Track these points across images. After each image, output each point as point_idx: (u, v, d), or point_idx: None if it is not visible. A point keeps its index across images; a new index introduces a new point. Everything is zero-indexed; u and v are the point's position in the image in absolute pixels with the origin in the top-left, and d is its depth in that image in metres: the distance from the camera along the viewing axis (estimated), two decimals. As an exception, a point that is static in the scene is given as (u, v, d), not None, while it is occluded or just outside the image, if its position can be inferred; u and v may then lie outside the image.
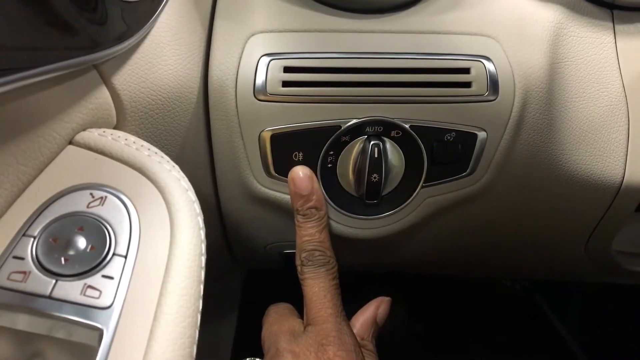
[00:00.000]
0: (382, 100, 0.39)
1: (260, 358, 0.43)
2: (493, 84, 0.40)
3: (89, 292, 0.24)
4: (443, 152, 0.41)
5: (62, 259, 0.24)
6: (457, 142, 0.41)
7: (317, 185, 0.41)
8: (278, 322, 0.42)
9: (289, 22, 0.40)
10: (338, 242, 0.49)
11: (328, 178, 0.42)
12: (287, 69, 0.38)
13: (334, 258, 0.41)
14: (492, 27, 0.41)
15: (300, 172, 0.41)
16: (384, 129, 0.40)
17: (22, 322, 0.23)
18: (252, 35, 0.39)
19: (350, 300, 0.62)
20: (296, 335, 0.40)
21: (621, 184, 0.44)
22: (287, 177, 0.41)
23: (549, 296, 0.93)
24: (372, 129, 0.40)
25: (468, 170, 0.42)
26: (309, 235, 0.41)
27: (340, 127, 0.39)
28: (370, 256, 0.55)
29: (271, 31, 0.40)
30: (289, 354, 0.38)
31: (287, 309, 0.44)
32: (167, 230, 0.27)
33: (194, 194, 0.29)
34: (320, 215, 0.41)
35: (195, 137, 0.39)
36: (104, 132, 0.30)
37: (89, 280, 0.24)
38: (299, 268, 0.41)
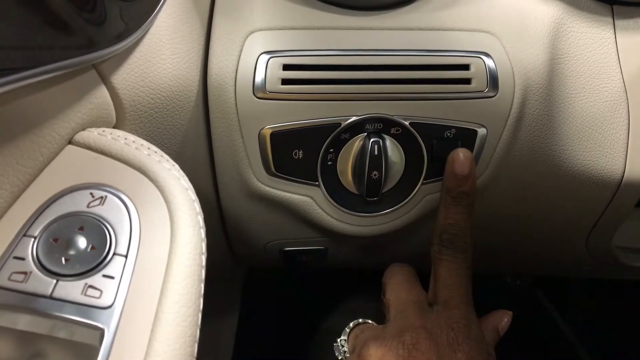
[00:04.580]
0: (382, 97, 0.39)
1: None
2: (493, 80, 0.40)
3: (90, 292, 0.24)
4: (443, 149, 0.41)
5: (63, 259, 0.24)
6: (457, 139, 0.41)
7: (474, 172, 0.41)
8: (407, 289, 0.43)
9: (288, 20, 0.40)
10: (339, 239, 0.49)
11: (328, 176, 0.41)
12: (286, 67, 0.38)
13: (471, 247, 0.41)
14: (492, 23, 0.41)
15: (461, 154, 0.40)
16: (384, 126, 0.40)
17: (23, 322, 0.23)
18: (251, 32, 0.39)
19: (351, 296, 0.62)
20: (424, 310, 0.40)
21: (621, 180, 0.44)
22: (286, 175, 0.41)
23: (549, 292, 0.93)
24: (371, 126, 0.40)
25: (468, 167, 0.42)
26: (454, 220, 0.41)
27: (340, 124, 0.39)
28: (370, 253, 0.55)
29: (270, 29, 0.40)
30: (423, 329, 0.38)
31: (413, 275, 0.45)
32: (168, 230, 0.27)
33: (194, 193, 0.29)
34: (470, 202, 0.41)
35: (194, 135, 0.39)
36: (103, 131, 0.30)
37: (90, 280, 0.24)
38: (435, 247, 0.41)
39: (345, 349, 0.43)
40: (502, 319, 0.43)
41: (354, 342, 0.42)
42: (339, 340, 0.44)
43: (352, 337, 0.43)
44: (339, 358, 0.43)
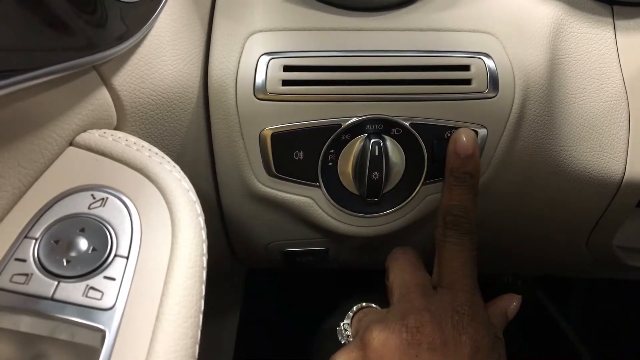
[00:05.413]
0: (382, 98, 0.39)
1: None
2: (493, 80, 0.40)
3: (91, 293, 0.24)
4: (443, 150, 0.41)
5: (64, 260, 0.24)
6: None
7: (477, 152, 0.40)
8: (410, 272, 0.42)
9: (289, 21, 0.40)
10: (339, 239, 0.49)
11: (329, 177, 0.41)
12: (286, 68, 0.38)
13: (476, 229, 0.40)
14: (492, 23, 0.41)
15: (464, 135, 0.40)
16: (384, 127, 0.40)
17: (25, 324, 0.23)
18: (252, 34, 0.39)
19: (351, 296, 0.62)
20: (428, 292, 0.40)
21: (622, 180, 0.44)
22: (287, 176, 0.41)
23: (550, 292, 0.93)
24: (372, 127, 0.40)
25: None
26: (458, 201, 0.40)
27: (341, 125, 0.39)
28: (371, 253, 0.55)
29: (270, 30, 0.40)
30: (427, 312, 0.37)
31: (416, 258, 0.44)
32: (169, 231, 0.27)
33: (195, 195, 0.29)
34: (474, 182, 0.40)
35: (195, 137, 0.39)
36: (104, 133, 0.30)
37: (91, 282, 0.24)
38: (439, 229, 0.41)
39: (349, 332, 0.42)
40: (511, 303, 0.43)
41: (357, 325, 0.42)
42: (342, 324, 0.43)
43: (355, 321, 0.43)
44: (342, 342, 0.42)
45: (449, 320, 0.37)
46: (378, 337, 0.37)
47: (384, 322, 0.38)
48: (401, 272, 0.42)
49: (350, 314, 0.43)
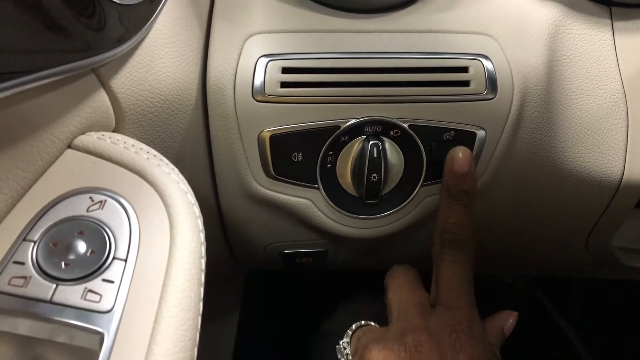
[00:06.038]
0: (381, 100, 0.39)
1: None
2: (491, 82, 0.40)
3: (90, 296, 0.24)
4: (442, 151, 0.41)
5: (63, 263, 0.24)
6: (456, 141, 0.41)
7: (474, 171, 0.40)
8: (408, 289, 0.43)
9: (287, 23, 0.40)
10: (338, 241, 0.49)
11: (327, 178, 0.42)
12: (285, 70, 0.38)
13: (474, 246, 0.40)
14: (490, 25, 0.41)
15: (460, 153, 0.40)
16: (383, 128, 0.40)
17: (23, 326, 0.23)
18: (250, 36, 0.39)
19: (351, 296, 0.62)
20: (426, 311, 0.40)
21: (621, 181, 0.44)
22: (286, 178, 0.41)
23: (550, 292, 0.93)
24: (371, 128, 0.40)
25: (467, 169, 0.42)
26: (455, 219, 0.40)
27: (339, 127, 0.39)
28: (370, 254, 0.55)
29: (269, 32, 0.40)
30: (425, 331, 0.38)
31: (415, 277, 0.44)
32: (167, 233, 0.27)
33: (194, 197, 0.29)
34: (470, 200, 0.40)
35: (194, 139, 0.39)
36: (102, 135, 0.30)
37: (90, 285, 0.24)
38: (437, 247, 0.41)
39: (348, 351, 0.43)
40: (508, 320, 0.43)
41: (356, 344, 0.42)
42: (341, 342, 0.44)
43: (354, 340, 0.43)
44: None
45: (446, 339, 0.37)
46: (377, 356, 0.37)
47: (382, 341, 0.38)
48: (400, 290, 0.43)
49: (350, 332, 0.44)
